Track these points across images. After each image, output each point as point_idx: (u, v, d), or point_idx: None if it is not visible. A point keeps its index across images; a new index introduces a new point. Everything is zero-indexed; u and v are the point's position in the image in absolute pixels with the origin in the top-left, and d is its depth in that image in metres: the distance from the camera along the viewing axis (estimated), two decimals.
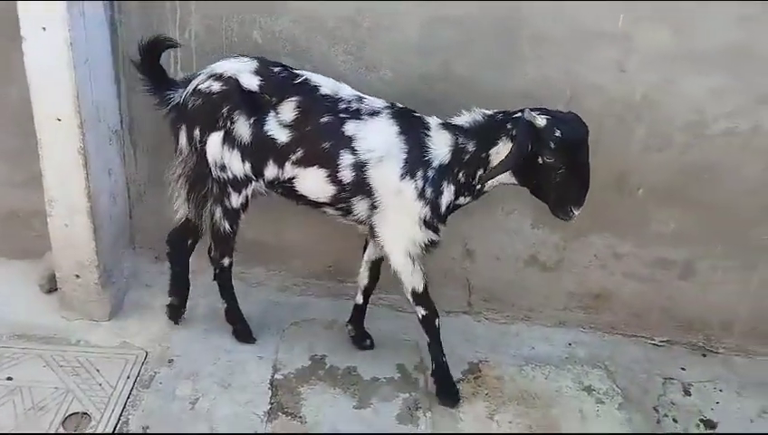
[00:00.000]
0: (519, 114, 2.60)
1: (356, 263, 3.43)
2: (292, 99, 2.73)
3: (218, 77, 2.75)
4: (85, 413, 2.84)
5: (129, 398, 2.92)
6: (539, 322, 3.53)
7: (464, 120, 2.75)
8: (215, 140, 2.78)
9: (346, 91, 2.78)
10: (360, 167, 2.72)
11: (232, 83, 2.72)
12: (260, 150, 2.77)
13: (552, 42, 2.92)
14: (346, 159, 2.72)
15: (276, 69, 2.79)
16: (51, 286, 3.37)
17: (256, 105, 2.74)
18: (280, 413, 2.92)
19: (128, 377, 3.01)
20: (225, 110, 2.74)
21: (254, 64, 2.78)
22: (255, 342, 3.25)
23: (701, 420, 3.13)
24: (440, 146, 2.71)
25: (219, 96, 2.73)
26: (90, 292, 3.25)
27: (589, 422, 3.04)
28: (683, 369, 3.39)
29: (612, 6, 2.87)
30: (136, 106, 3.23)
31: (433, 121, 2.77)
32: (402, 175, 2.71)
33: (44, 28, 2.70)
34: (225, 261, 3.11)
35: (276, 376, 3.09)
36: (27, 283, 3.44)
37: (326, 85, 2.76)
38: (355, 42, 2.98)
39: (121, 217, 3.39)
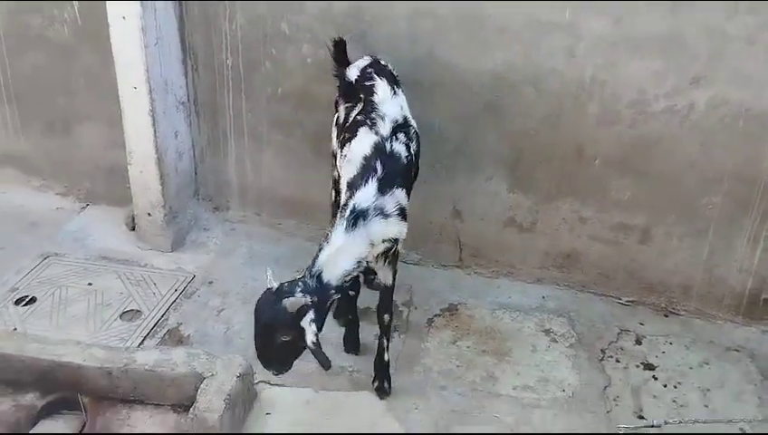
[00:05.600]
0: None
1: None
2: (361, 94, 3.28)
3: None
4: (138, 311, 3.69)
5: (173, 304, 3.73)
6: (520, 277, 3.93)
7: None
8: (339, 113, 3.42)
9: (386, 106, 3.15)
10: None
11: (343, 75, 3.35)
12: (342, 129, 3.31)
13: (513, 31, 3.40)
14: None
15: (369, 69, 3.29)
16: (134, 225, 4.27)
17: (352, 94, 3.29)
18: None
19: (175, 290, 3.84)
20: (339, 94, 3.41)
21: (365, 62, 3.34)
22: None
23: (642, 363, 3.45)
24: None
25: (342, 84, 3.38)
26: (158, 227, 4.08)
27: (536, 354, 3.48)
28: (641, 324, 3.69)
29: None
30: (199, 84, 4.02)
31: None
32: None
33: (124, 17, 3.59)
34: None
35: None
36: (118, 223, 4.32)
37: (379, 94, 3.18)
38: (359, 32, 3.61)
39: (187, 172, 4.21)
